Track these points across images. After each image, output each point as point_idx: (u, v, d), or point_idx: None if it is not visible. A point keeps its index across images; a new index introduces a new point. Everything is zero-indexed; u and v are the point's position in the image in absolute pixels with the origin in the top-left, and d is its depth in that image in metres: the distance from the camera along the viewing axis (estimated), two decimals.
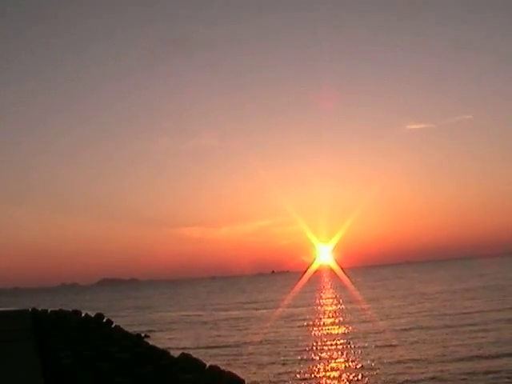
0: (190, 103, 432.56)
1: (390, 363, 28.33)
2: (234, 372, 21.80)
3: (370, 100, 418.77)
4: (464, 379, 23.70)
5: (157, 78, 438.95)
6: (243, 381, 19.10)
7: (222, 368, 22.43)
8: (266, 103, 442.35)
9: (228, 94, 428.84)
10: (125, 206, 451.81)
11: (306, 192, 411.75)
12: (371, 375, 25.68)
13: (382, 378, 24.89)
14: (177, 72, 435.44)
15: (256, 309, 74.13)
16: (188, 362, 22.06)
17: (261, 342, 39.02)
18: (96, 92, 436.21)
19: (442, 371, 25.44)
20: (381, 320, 47.94)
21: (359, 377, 25.57)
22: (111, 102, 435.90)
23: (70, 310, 56.44)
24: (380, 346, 34.08)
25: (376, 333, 40.63)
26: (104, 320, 47.10)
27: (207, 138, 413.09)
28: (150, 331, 52.16)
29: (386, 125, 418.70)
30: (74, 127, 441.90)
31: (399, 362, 28.58)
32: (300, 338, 40.21)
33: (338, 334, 42.86)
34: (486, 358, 27.86)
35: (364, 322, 48.37)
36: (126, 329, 42.04)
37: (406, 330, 41.25)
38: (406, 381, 24.17)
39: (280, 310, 66.54)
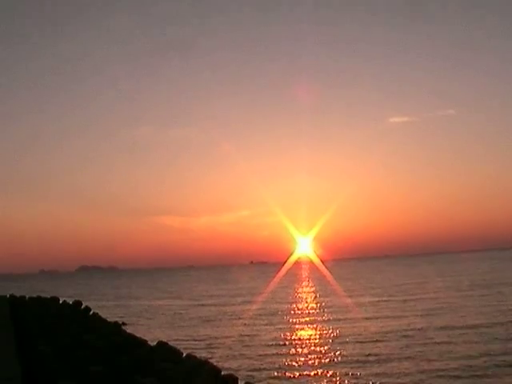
0: (172, 94, 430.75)
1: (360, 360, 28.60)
2: (210, 361, 21.84)
3: (352, 93, 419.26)
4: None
5: (140, 68, 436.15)
6: (219, 370, 19.14)
7: (199, 357, 22.47)
8: (247, 96, 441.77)
9: (209, 86, 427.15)
10: (105, 194, 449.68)
11: (286, 184, 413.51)
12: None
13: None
14: (160, 63, 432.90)
15: (233, 298, 74.31)
16: (165, 351, 22.03)
17: (236, 334, 39.11)
18: (79, 82, 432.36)
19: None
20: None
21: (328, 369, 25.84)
22: (94, 92, 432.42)
23: (49, 296, 56.04)
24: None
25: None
26: (82, 307, 46.85)
27: (188, 128, 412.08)
28: (128, 319, 52.06)
29: (368, 118, 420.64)
30: (56, 117, 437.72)
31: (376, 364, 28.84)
32: (275, 330, 40.28)
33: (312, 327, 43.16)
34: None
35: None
36: (104, 317, 41.84)
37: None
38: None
39: (258, 300, 66.64)
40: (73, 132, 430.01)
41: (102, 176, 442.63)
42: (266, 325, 41.01)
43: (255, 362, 27.89)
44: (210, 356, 27.45)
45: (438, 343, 30.81)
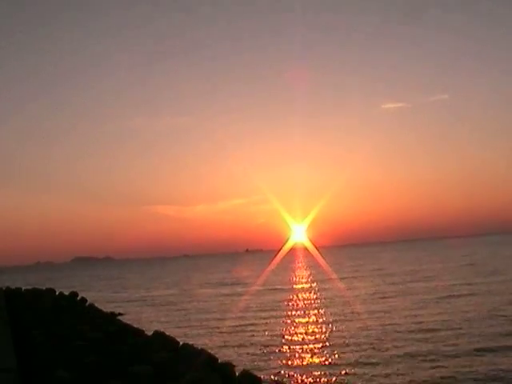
0: (166, 83, 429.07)
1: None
2: (207, 350, 21.84)
3: (344, 80, 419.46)
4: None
5: (132, 59, 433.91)
6: (216, 359, 19.15)
7: (196, 345, 22.46)
8: (241, 85, 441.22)
9: (203, 75, 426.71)
10: (100, 184, 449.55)
11: (280, 171, 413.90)
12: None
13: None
14: (152, 54, 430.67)
15: (230, 287, 74.41)
16: (162, 341, 22.03)
17: (233, 322, 39.14)
18: (73, 74, 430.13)
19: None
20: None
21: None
22: (88, 83, 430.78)
23: (44, 288, 55.94)
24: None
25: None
26: (78, 298, 46.83)
27: (183, 118, 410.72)
28: (124, 310, 52.06)
29: (361, 104, 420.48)
30: (49, 108, 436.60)
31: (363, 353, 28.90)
32: (272, 320, 40.09)
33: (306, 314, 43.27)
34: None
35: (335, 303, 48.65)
36: (101, 307, 41.85)
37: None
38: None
39: (253, 288, 66.72)
40: (67, 123, 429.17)
41: (97, 166, 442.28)
42: (261, 317, 40.78)
43: (253, 352, 27.89)
44: (206, 345, 27.40)
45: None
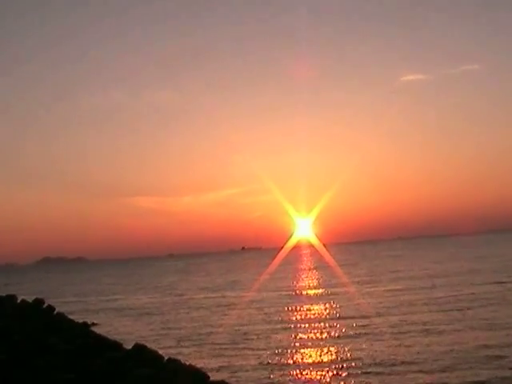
0: (148, 53, 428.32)
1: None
2: (195, 365, 22.13)
3: (355, 49, 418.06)
4: None
5: (108, 28, 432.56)
6: (208, 377, 19.42)
7: (183, 361, 22.74)
8: (237, 55, 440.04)
9: (189, 43, 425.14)
10: (70, 172, 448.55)
11: (281, 157, 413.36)
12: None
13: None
14: (133, 18, 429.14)
15: (223, 293, 74.73)
16: (143, 355, 22.29)
17: (227, 335, 39.35)
18: (36, 43, 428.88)
19: None
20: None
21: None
22: (57, 56, 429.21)
23: (4, 294, 56.17)
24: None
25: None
26: (44, 306, 47.03)
27: (167, 93, 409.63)
28: (99, 319, 52.37)
29: (376, 77, 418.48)
30: (13, 85, 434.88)
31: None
32: (273, 335, 39.95)
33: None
34: None
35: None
36: (71, 316, 42.05)
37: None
38: None
39: (250, 294, 66.71)
40: (28, 100, 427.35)
41: (65, 150, 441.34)
42: (260, 331, 40.67)
43: (249, 371, 28.20)
44: (195, 361, 27.71)
45: None
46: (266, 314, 49.81)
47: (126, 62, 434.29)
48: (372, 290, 63.66)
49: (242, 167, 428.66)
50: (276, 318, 46.52)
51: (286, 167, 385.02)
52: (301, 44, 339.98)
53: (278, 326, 42.07)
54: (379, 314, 44.05)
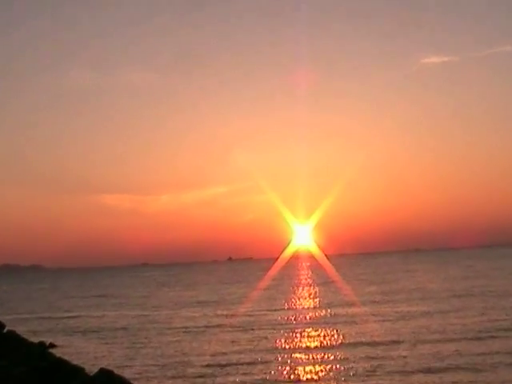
0: (120, 25, 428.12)
1: None
2: None
3: (368, 26, 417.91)
4: None
5: None
6: None
7: None
8: (228, 40, 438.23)
9: (167, 10, 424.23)
10: (25, 165, 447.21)
11: (277, 152, 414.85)
12: None
13: None
14: None
15: (203, 311, 74.92)
16: (109, 381, 22.40)
17: (200, 361, 39.60)
18: None
19: None
20: None
21: None
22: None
23: None
24: None
25: None
26: None
27: (143, 73, 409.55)
28: (58, 339, 52.44)
29: (390, 59, 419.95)
30: None
31: None
32: (260, 366, 39.64)
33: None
34: None
35: None
36: (25, 336, 42.16)
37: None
38: None
39: (237, 316, 66.53)
40: None
41: (19, 138, 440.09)
42: (244, 361, 40.42)
43: None
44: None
45: None
46: (254, 339, 49.23)
47: (91, 31, 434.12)
48: (387, 310, 63.83)
49: (231, 162, 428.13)
50: (266, 346, 45.97)
51: (283, 164, 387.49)
52: (302, 22, 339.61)
53: (269, 356, 41.33)
54: (396, 342, 43.92)
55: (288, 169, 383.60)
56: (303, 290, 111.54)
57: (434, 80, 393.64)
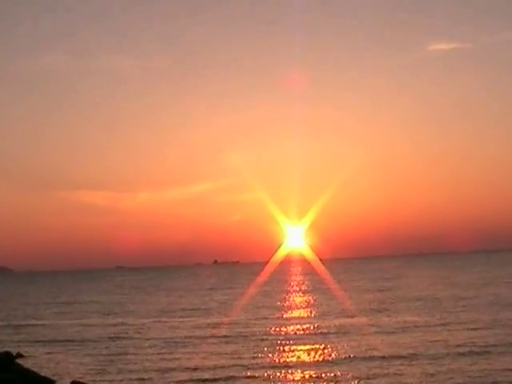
0: (100, 5, 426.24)
1: None
2: None
3: (371, 8, 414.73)
4: None
5: None
6: None
7: None
8: (218, 26, 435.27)
9: (161, 6, 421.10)
10: None
11: (268, 147, 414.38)
12: None
13: None
14: None
15: (183, 325, 75.39)
16: None
17: (179, 377, 40.40)
18: None
19: None
20: None
21: None
22: None
23: None
24: None
25: None
26: None
27: (123, 58, 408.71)
28: (26, 349, 52.93)
29: (395, 44, 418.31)
30: None
31: None
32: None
33: None
34: None
35: None
36: None
37: None
38: None
39: (220, 326, 66.98)
40: None
41: None
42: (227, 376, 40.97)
43: None
44: None
45: None
46: (239, 352, 49.62)
47: (71, 19, 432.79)
48: (388, 322, 64.59)
49: (216, 157, 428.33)
50: (252, 360, 46.07)
51: (274, 160, 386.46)
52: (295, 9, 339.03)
53: (255, 372, 41.66)
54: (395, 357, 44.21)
55: (280, 165, 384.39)
56: (294, 297, 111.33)
57: (441, 69, 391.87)
